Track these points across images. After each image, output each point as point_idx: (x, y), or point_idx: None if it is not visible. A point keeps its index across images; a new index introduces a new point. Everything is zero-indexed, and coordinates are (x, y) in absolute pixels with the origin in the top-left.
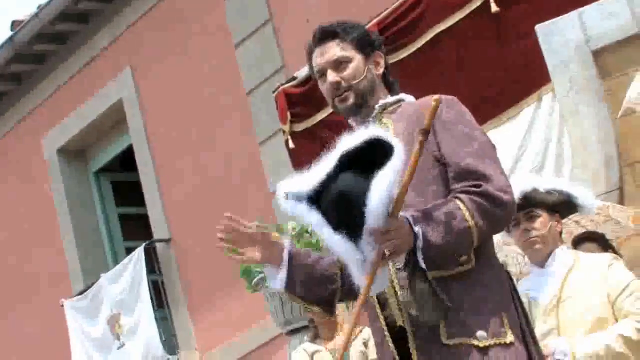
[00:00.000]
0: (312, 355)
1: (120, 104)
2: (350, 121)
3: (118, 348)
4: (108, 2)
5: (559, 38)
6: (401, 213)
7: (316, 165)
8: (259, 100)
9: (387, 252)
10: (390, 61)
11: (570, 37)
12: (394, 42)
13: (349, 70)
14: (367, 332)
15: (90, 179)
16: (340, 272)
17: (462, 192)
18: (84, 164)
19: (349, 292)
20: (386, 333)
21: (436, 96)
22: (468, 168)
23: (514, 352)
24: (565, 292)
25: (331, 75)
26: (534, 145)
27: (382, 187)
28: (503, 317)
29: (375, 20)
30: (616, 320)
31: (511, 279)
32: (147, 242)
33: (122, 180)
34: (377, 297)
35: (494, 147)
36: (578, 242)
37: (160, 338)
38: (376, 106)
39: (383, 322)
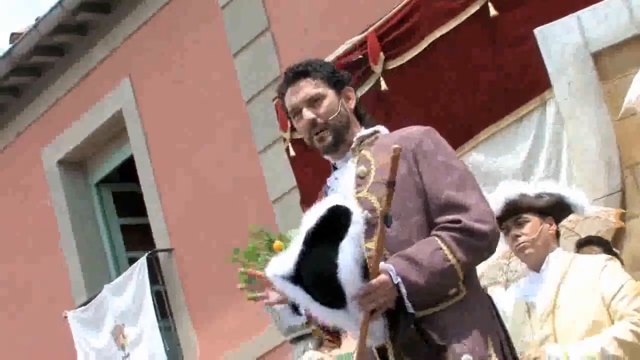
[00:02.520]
0: None
1: (120, 115)
2: (327, 157)
3: (123, 358)
4: (106, 13)
5: (557, 41)
6: (382, 265)
7: (290, 245)
8: (257, 110)
9: (375, 309)
10: (389, 68)
11: (568, 41)
12: (391, 49)
13: (323, 107)
14: None
15: (91, 191)
16: None
17: (442, 229)
18: (85, 175)
19: None
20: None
21: (396, 146)
22: (448, 201)
23: None
24: (560, 298)
25: (307, 113)
26: (544, 153)
27: (347, 257)
28: (488, 340)
29: (372, 28)
30: (612, 323)
31: (493, 304)
32: (149, 252)
33: (123, 191)
34: None
35: (471, 175)
36: (581, 245)
37: (165, 348)
38: (354, 139)
39: (374, 350)
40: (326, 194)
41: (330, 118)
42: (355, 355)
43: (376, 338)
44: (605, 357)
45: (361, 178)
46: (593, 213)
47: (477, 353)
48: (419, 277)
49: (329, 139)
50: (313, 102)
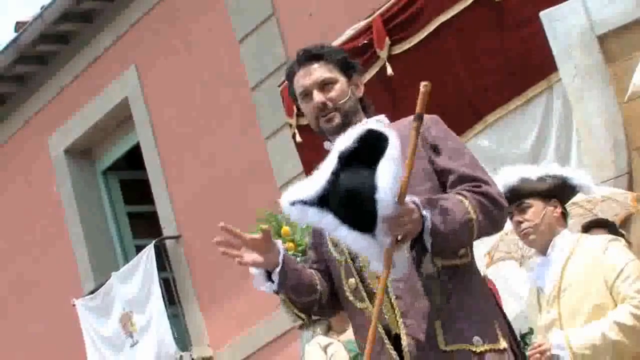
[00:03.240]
0: (325, 348)
1: (126, 102)
2: (327, 145)
3: (131, 346)
4: (110, 1)
5: (563, 24)
6: (407, 198)
7: (317, 170)
8: (263, 96)
9: (399, 237)
10: (394, 53)
11: (574, 23)
12: (397, 34)
13: (334, 92)
14: None
15: (98, 179)
16: (319, 285)
17: (464, 189)
18: (91, 163)
19: (325, 307)
20: (386, 341)
21: (425, 82)
22: (465, 174)
23: (507, 357)
24: (565, 281)
25: (318, 96)
26: (553, 136)
27: (386, 176)
28: (495, 324)
29: (377, 13)
30: (615, 305)
31: (493, 292)
32: (156, 239)
33: (130, 179)
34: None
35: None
36: (587, 228)
37: (173, 335)
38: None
39: (382, 330)
40: None
41: (340, 102)
42: (379, 285)
43: (398, 269)
44: (607, 342)
45: None
46: (611, 194)
47: (486, 336)
48: (441, 218)
49: (337, 119)
50: (324, 85)
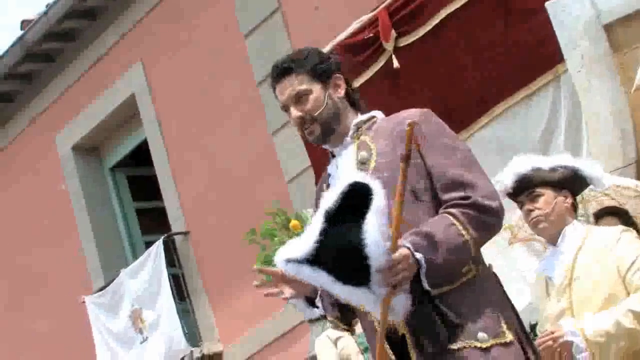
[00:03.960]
0: (335, 342)
1: (133, 99)
2: (325, 147)
3: (141, 342)
4: None
5: (569, 14)
6: (399, 241)
7: (307, 228)
8: (269, 91)
9: (396, 285)
10: (400, 45)
11: (580, 13)
12: (403, 26)
13: (309, 103)
14: None
15: (106, 175)
16: None
17: (452, 205)
18: (99, 160)
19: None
20: (386, 345)
21: (409, 120)
22: (454, 179)
23: (513, 351)
24: (576, 271)
25: (294, 112)
26: (563, 127)
27: (374, 230)
28: (500, 318)
29: (383, 6)
30: (627, 294)
31: (500, 283)
32: (165, 235)
33: (138, 175)
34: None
35: (474, 155)
36: (599, 215)
37: (183, 331)
38: (351, 126)
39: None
40: (326, 182)
41: (316, 113)
42: (379, 331)
43: (398, 313)
44: (621, 330)
45: (363, 164)
46: (634, 186)
47: (491, 330)
48: (437, 253)
49: (317, 132)
50: (298, 98)
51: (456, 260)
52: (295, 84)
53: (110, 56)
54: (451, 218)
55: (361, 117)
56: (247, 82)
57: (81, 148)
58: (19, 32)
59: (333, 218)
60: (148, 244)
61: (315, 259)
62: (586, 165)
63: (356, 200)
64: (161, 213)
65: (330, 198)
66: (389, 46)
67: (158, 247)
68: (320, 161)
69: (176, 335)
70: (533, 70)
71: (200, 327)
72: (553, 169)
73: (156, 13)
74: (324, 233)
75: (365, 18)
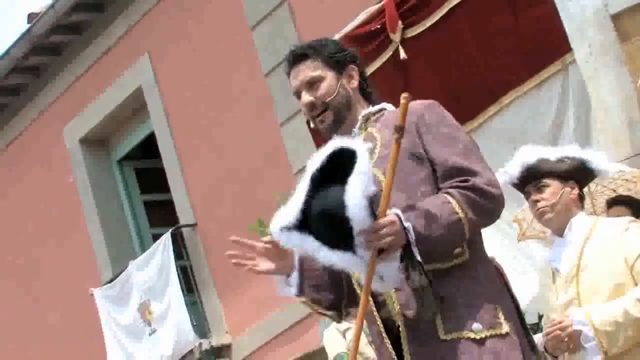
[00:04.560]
0: (344, 333)
1: (140, 91)
2: (334, 137)
3: (150, 334)
4: None
5: (576, 3)
6: (391, 210)
7: (294, 193)
8: (277, 81)
9: (382, 250)
10: (407, 36)
11: (588, 2)
12: (410, 17)
13: (321, 90)
14: None
15: (114, 168)
16: (345, 279)
17: (451, 187)
18: (107, 153)
19: (354, 300)
20: (384, 335)
21: (405, 94)
22: (455, 166)
23: (510, 342)
24: (583, 261)
25: (305, 97)
26: (571, 116)
27: (355, 192)
28: (497, 308)
29: None
30: (635, 284)
31: (502, 274)
32: (173, 228)
33: (146, 167)
34: (374, 300)
35: (477, 146)
36: (611, 204)
37: (192, 323)
38: (359, 117)
39: (380, 324)
40: None
41: (328, 99)
42: (361, 296)
43: (388, 283)
44: (629, 319)
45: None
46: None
47: (486, 321)
48: (427, 226)
49: (329, 119)
50: (311, 85)
51: (448, 238)
52: (310, 69)
53: (118, 48)
54: (448, 197)
55: (370, 109)
56: (254, 73)
57: (89, 140)
58: (26, 25)
59: (318, 182)
60: (156, 237)
61: (301, 224)
62: (593, 157)
63: (342, 164)
64: (169, 205)
65: (315, 162)
66: (396, 37)
67: (166, 239)
68: None
69: (184, 327)
70: (541, 60)
71: (209, 319)
72: (560, 160)
73: (163, 5)
74: (309, 198)
75: (372, 9)
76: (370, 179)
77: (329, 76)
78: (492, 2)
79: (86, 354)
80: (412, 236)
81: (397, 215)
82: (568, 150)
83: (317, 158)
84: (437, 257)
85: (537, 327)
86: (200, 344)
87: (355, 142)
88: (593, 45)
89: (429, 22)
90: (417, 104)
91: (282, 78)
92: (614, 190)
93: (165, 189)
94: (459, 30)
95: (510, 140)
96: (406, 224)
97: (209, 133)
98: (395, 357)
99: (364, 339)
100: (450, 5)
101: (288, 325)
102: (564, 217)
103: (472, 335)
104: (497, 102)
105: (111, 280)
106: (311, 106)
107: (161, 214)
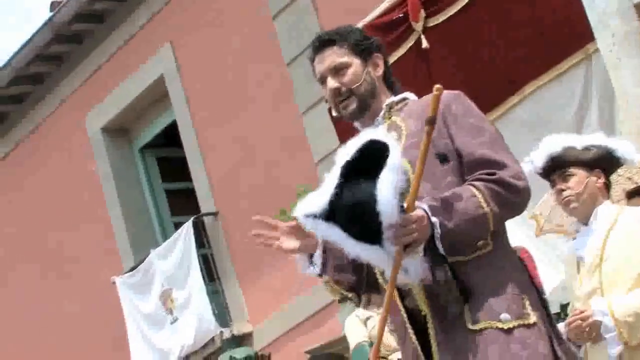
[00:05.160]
0: (365, 321)
1: (162, 80)
2: (356, 125)
3: (171, 323)
4: None
5: None
6: (417, 203)
7: (323, 183)
8: (298, 70)
9: (409, 244)
10: (429, 25)
11: None
12: (431, 6)
13: (348, 76)
14: None
15: (135, 156)
16: (366, 264)
17: (477, 179)
18: (128, 141)
19: (372, 285)
20: (408, 325)
21: (438, 85)
22: (482, 157)
23: (538, 332)
24: (607, 250)
25: (331, 82)
26: (595, 105)
27: (387, 187)
28: (524, 299)
29: None
30: None
31: (525, 267)
32: (194, 216)
33: (167, 156)
34: (397, 290)
35: (502, 137)
36: (631, 195)
37: (213, 311)
38: (383, 105)
39: (404, 314)
40: None
41: (354, 86)
42: (387, 288)
43: (412, 276)
44: None
45: None
46: None
47: (514, 311)
48: (452, 220)
49: (353, 106)
50: (337, 71)
51: (473, 232)
52: (337, 55)
53: (140, 37)
54: (474, 190)
55: (393, 98)
56: (276, 62)
57: (111, 129)
58: (49, 14)
59: (349, 174)
60: (177, 225)
61: (330, 215)
62: (619, 145)
63: (373, 157)
64: (191, 194)
65: (346, 154)
66: (418, 26)
67: (188, 227)
68: (350, 140)
69: (206, 315)
70: (564, 49)
71: (230, 308)
72: (586, 148)
73: None
74: (339, 189)
75: None
76: (402, 174)
77: (355, 63)
78: None
79: (108, 341)
80: (437, 231)
81: (425, 210)
82: (594, 138)
83: (347, 149)
84: (460, 250)
85: (557, 317)
86: (222, 332)
87: (386, 136)
88: (616, 34)
89: (451, 11)
90: (443, 95)
91: (304, 67)
92: (630, 179)
93: (187, 177)
94: (480, 20)
95: (531, 131)
96: (433, 219)
97: (230, 122)
98: (419, 347)
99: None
100: None
101: (309, 314)
102: (590, 206)
103: (500, 325)
104: (519, 91)
105: (133, 269)
106: (337, 92)
107: (183, 203)
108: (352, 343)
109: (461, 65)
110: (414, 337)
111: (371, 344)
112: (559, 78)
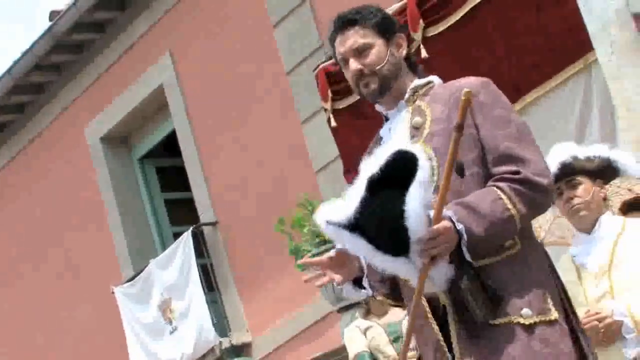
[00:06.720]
0: (365, 332)
1: (161, 89)
2: (377, 107)
3: (171, 332)
4: None
5: (598, 1)
6: (443, 211)
7: (349, 191)
8: (299, 80)
9: (435, 257)
10: (430, 34)
11: (610, 1)
12: (431, 16)
13: (371, 57)
14: None
15: (135, 166)
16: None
17: (501, 179)
18: (128, 151)
19: (394, 289)
20: (430, 316)
21: (466, 89)
22: (506, 152)
23: (559, 329)
24: (617, 256)
25: (354, 64)
26: (596, 115)
27: (415, 202)
28: (546, 295)
29: None
30: None
31: (549, 259)
32: (194, 226)
33: (167, 166)
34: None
35: (529, 128)
36: (628, 207)
37: (212, 321)
38: (408, 89)
39: (426, 305)
40: (379, 144)
41: (377, 67)
42: (413, 301)
43: (436, 285)
44: None
45: (416, 129)
46: None
47: (535, 307)
48: (479, 225)
49: (374, 86)
50: (360, 51)
51: (499, 235)
52: (359, 36)
53: (139, 47)
54: (499, 192)
55: (418, 82)
56: (276, 72)
57: (110, 139)
58: (48, 23)
59: (376, 186)
60: (177, 235)
61: (355, 226)
62: (619, 156)
63: (400, 169)
64: (190, 203)
65: (374, 165)
66: (417, 36)
67: (187, 237)
68: (348, 152)
69: (205, 325)
70: (564, 59)
71: (229, 318)
72: (589, 159)
73: (185, 3)
74: (365, 201)
75: (393, 8)
76: (431, 189)
77: (378, 44)
78: (515, 0)
79: (108, 351)
80: (464, 239)
81: (451, 219)
82: (597, 149)
83: (375, 159)
84: (487, 253)
85: None
86: (221, 342)
87: (415, 147)
88: (615, 43)
89: (451, 20)
90: (471, 81)
91: (304, 76)
92: (630, 190)
93: (186, 187)
94: (482, 28)
95: (536, 138)
96: (459, 227)
97: (230, 131)
98: (442, 338)
99: (385, 338)
100: (473, 4)
101: (309, 324)
102: (596, 215)
103: (521, 321)
104: (520, 100)
105: (132, 279)
106: (359, 74)
107: (182, 212)
108: (352, 353)
109: (463, 74)
110: (436, 329)
111: (370, 354)
112: (559, 87)
